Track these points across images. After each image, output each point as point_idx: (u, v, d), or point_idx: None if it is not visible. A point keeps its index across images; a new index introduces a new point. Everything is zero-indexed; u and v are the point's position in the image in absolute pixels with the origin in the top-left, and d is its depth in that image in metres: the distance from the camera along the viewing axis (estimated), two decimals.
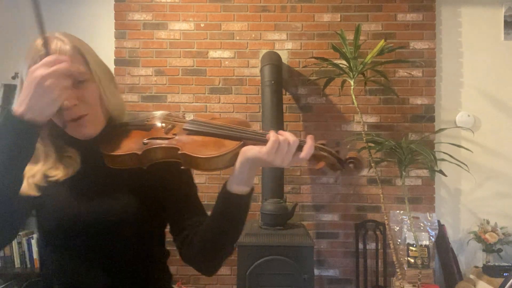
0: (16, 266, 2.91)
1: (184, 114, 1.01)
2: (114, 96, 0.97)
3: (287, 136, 0.83)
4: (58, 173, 0.92)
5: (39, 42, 0.85)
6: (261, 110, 2.94)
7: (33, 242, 2.91)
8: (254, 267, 2.38)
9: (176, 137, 0.91)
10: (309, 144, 0.83)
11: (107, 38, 3.14)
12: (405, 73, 3.10)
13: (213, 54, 3.14)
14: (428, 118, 3.10)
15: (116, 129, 0.98)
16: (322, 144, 0.88)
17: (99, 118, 0.94)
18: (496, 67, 3.14)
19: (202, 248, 0.92)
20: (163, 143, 0.89)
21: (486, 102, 3.15)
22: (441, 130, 2.92)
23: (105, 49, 3.12)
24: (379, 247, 3.04)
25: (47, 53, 0.81)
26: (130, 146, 0.92)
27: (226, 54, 3.14)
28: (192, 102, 3.11)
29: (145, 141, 0.91)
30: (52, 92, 0.75)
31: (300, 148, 0.83)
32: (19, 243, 2.91)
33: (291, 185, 3.09)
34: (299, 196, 3.09)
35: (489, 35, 3.16)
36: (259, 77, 3.04)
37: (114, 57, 3.12)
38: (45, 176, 0.91)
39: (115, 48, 3.13)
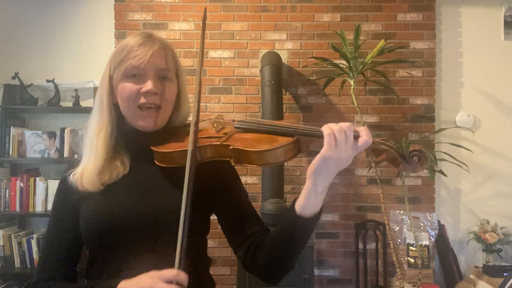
0: (16, 266, 2.91)
1: (234, 119, 0.99)
2: (185, 103, 1.05)
3: (340, 124, 0.81)
4: (105, 177, 0.96)
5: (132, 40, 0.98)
6: (261, 110, 2.94)
7: (33, 242, 2.91)
8: None
9: (227, 136, 0.91)
10: (364, 128, 0.82)
11: (107, 38, 3.14)
12: (405, 73, 3.10)
13: (213, 54, 3.14)
14: (428, 118, 3.10)
15: (170, 131, 1.00)
16: (382, 139, 0.86)
17: (166, 116, 1.00)
18: (496, 67, 3.14)
19: (269, 263, 0.91)
20: (214, 140, 0.89)
21: (486, 102, 3.15)
22: (441, 130, 2.92)
23: (105, 49, 3.12)
24: (379, 247, 3.04)
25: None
26: (181, 144, 0.92)
27: (226, 54, 3.14)
28: (192, 102, 3.10)
29: (197, 139, 0.91)
30: None
31: (356, 138, 0.82)
32: (19, 243, 2.91)
33: (291, 185, 3.09)
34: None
35: (489, 35, 3.16)
36: (259, 77, 3.04)
37: None
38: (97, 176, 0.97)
39: (115, 48, 3.12)
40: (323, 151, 0.79)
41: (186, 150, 0.87)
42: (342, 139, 0.79)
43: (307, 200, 0.83)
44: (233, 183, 1.02)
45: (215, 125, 0.97)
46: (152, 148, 0.94)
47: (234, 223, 0.98)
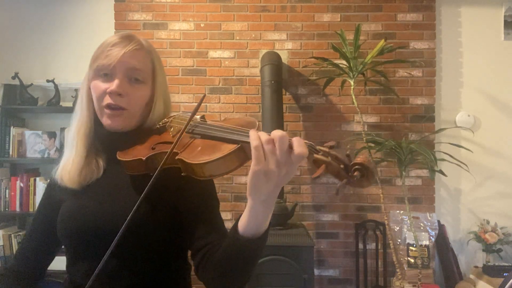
0: None
1: (203, 116, 0.92)
2: (159, 106, 1.00)
3: (273, 133, 0.71)
4: (82, 177, 0.96)
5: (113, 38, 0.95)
6: (261, 110, 2.94)
7: None
8: None
9: (180, 141, 0.86)
10: (297, 139, 0.70)
11: None
12: (405, 73, 3.10)
13: (213, 54, 3.14)
14: (428, 118, 3.10)
15: (139, 134, 0.97)
16: (330, 146, 0.72)
17: (133, 119, 0.97)
18: (496, 67, 3.14)
19: (215, 278, 0.86)
20: (168, 147, 0.85)
21: (486, 102, 3.15)
22: (441, 130, 2.92)
23: None
24: (379, 247, 3.04)
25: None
26: (139, 151, 0.90)
27: (226, 54, 3.14)
28: (192, 102, 3.11)
29: (154, 146, 0.89)
30: None
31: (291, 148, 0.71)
32: (19, 243, 2.91)
33: (291, 185, 3.09)
34: (299, 196, 3.09)
35: (489, 35, 3.16)
36: (259, 77, 3.04)
37: None
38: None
39: None
40: (252, 166, 0.70)
41: (140, 159, 0.87)
42: (269, 151, 0.69)
43: (248, 221, 0.75)
44: (200, 187, 0.94)
45: (171, 129, 0.92)
46: (117, 156, 0.92)
47: (192, 230, 0.93)
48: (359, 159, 0.69)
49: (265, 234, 0.77)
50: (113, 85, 0.92)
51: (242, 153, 0.77)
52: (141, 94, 0.96)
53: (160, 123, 0.97)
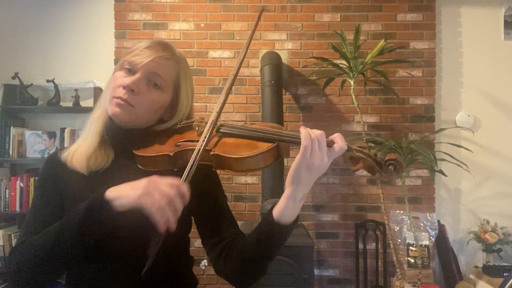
0: None
1: (220, 121, 0.97)
2: (177, 117, 1.01)
3: (314, 132, 0.82)
4: (91, 161, 0.96)
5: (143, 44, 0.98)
6: (261, 110, 2.94)
7: None
8: None
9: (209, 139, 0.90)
10: (338, 135, 0.83)
11: (107, 38, 3.14)
12: (405, 73, 3.10)
13: (213, 54, 3.14)
14: (428, 118, 3.10)
15: (154, 134, 0.99)
16: (359, 147, 0.86)
17: (139, 119, 0.97)
18: (496, 67, 3.14)
19: (240, 267, 0.93)
20: (195, 144, 0.88)
21: (486, 102, 3.15)
22: (441, 130, 2.92)
23: (105, 49, 3.13)
24: (379, 247, 3.04)
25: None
26: (162, 147, 0.93)
27: (226, 54, 3.14)
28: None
29: (178, 143, 0.92)
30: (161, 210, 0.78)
31: (331, 145, 0.83)
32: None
33: None
34: None
35: (489, 35, 3.16)
36: (259, 77, 3.04)
37: (114, 57, 3.12)
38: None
39: (115, 48, 3.13)
40: (298, 160, 0.81)
41: (167, 155, 0.89)
42: (316, 148, 0.81)
43: (285, 208, 0.84)
44: (214, 187, 1.04)
45: (197, 128, 0.96)
46: (135, 152, 0.94)
47: (210, 225, 1.00)
48: (392, 155, 0.84)
49: (296, 221, 0.86)
50: (129, 80, 0.94)
51: (277, 151, 0.86)
52: (153, 98, 0.96)
53: (181, 124, 1.00)
